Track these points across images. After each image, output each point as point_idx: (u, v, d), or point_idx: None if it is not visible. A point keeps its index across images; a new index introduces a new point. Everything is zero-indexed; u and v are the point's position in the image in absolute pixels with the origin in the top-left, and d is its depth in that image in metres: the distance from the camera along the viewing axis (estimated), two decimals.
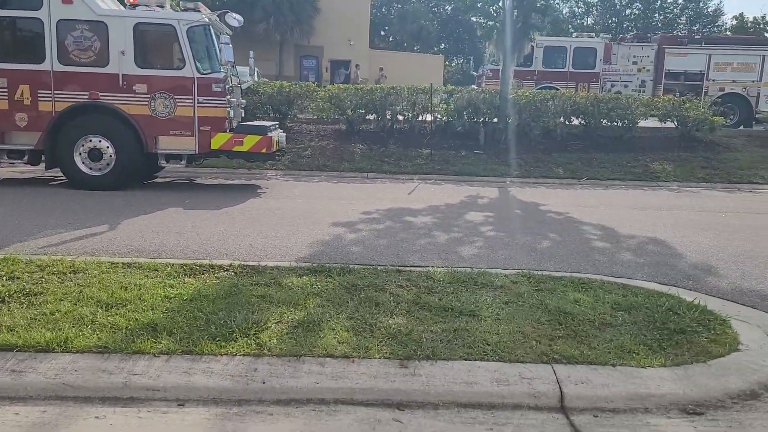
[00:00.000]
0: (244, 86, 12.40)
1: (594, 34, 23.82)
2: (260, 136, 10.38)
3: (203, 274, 5.02)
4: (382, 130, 15.91)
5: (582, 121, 16.14)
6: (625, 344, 3.90)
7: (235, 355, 3.58)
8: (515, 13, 14.94)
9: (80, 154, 10.02)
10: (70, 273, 4.91)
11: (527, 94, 15.91)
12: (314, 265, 5.44)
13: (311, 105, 15.96)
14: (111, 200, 9.07)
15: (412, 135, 15.82)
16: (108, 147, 10.03)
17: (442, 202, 10.18)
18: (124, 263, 5.21)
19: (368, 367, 3.52)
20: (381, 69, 31.15)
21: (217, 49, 10.22)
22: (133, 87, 9.96)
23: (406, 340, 3.84)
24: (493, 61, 20.60)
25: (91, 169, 10.07)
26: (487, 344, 3.82)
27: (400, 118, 16.06)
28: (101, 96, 9.95)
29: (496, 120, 15.89)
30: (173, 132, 10.17)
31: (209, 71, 10.19)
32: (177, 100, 10.07)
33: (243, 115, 12.07)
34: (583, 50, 21.40)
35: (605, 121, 16.00)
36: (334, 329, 3.95)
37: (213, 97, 10.19)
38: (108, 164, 10.07)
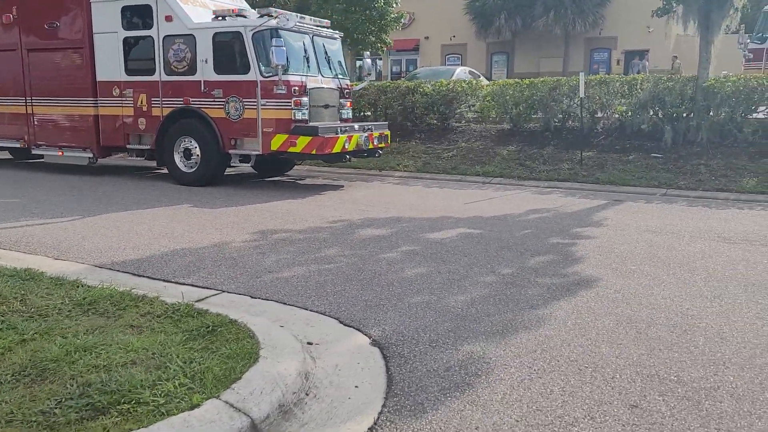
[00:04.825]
0: (356, 87, 12.22)
1: None
2: (310, 137, 10.19)
3: None
4: (547, 129, 13.85)
5: None
6: None
7: None
8: None
9: (179, 153, 11.32)
10: None
11: (734, 79, 11.94)
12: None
13: (477, 104, 14.84)
14: (161, 193, 10.04)
15: (581, 135, 13.38)
16: (195, 147, 11.10)
17: (483, 215, 8.50)
18: None
19: None
20: (674, 57, 26.67)
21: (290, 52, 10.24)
22: (212, 92, 10.79)
23: None
24: (756, 39, 16.01)
25: (185, 166, 11.29)
26: None
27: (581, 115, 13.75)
28: (191, 101, 11.06)
29: (692, 115, 12.41)
30: (243, 133, 10.70)
31: (271, 74, 10.39)
32: (244, 103, 10.57)
33: (346, 116, 11.87)
34: None
35: None
36: None
37: (275, 99, 10.39)
38: (196, 162, 11.15)
